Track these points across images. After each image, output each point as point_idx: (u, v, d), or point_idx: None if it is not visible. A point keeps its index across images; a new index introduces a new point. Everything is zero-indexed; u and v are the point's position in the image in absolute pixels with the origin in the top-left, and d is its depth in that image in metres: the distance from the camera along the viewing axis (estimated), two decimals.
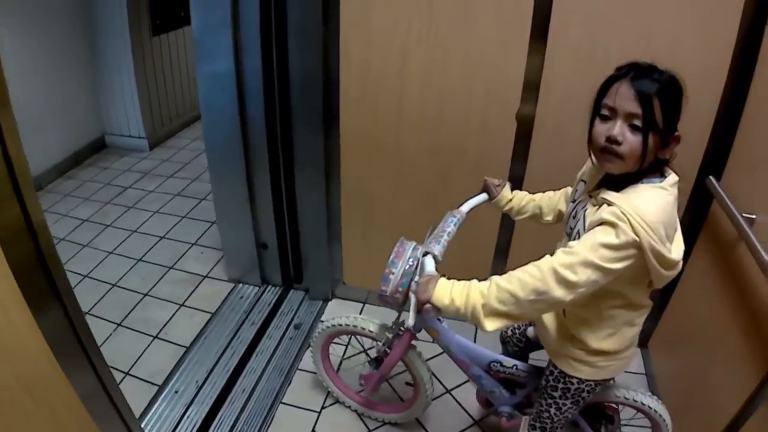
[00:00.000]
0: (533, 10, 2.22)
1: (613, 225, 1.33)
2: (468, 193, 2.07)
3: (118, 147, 5.26)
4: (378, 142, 2.64)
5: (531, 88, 2.37)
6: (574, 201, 1.68)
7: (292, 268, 3.23)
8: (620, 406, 2.18)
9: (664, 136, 1.38)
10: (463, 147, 2.55)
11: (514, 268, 2.69)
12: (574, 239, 1.56)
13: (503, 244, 2.82)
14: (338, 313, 2.28)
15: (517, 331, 2.17)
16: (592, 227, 1.39)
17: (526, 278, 1.43)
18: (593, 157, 1.51)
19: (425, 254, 1.75)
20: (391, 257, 1.87)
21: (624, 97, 1.37)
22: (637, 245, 1.32)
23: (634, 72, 1.38)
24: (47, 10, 4.32)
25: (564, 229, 1.72)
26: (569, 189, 1.90)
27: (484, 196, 2.04)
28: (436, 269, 1.70)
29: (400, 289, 1.85)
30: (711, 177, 2.23)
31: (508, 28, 2.27)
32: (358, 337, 2.35)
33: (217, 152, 2.94)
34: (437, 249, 1.77)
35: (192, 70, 2.67)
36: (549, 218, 1.97)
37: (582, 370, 1.76)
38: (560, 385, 1.82)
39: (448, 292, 1.52)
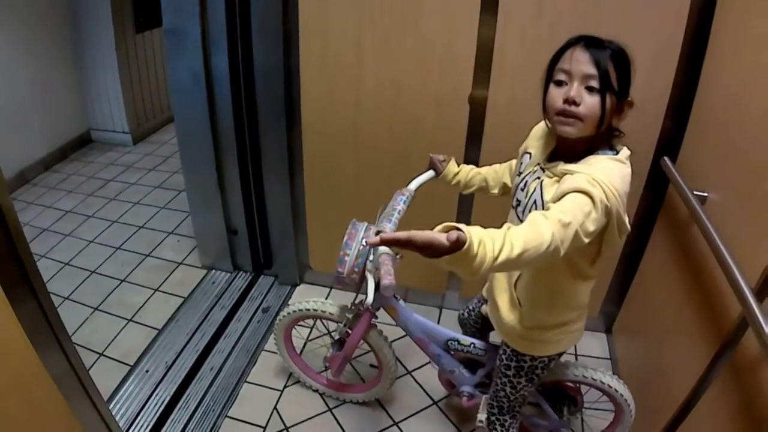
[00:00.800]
0: None
1: (586, 192, 1.29)
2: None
3: (103, 142, 5.25)
4: (338, 129, 2.65)
5: (482, 70, 2.38)
6: (520, 174, 1.66)
7: (262, 255, 3.24)
8: (583, 388, 2.17)
9: (618, 99, 1.40)
10: (420, 130, 2.56)
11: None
12: (526, 211, 1.55)
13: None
14: (306, 297, 2.27)
15: (473, 313, 2.16)
16: (559, 197, 1.33)
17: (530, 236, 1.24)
18: (550, 124, 1.50)
19: (377, 233, 1.73)
20: (345, 239, 1.87)
21: (579, 61, 1.38)
22: (608, 211, 1.32)
23: (586, 40, 1.40)
24: (31, 6, 4.32)
25: (510, 201, 1.70)
26: (513, 162, 1.89)
27: (430, 173, 2.03)
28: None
29: (356, 270, 1.85)
30: (665, 158, 2.23)
31: (458, 11, 2.28)
32: (322, 320, 2.35)
33: (189, 144, 2.96)
34: (388, 227, 1.75)
35: None
36: (495, 191, 1.96)
37: (534, 347, 1.76)
38: (513, 364, 1.82)
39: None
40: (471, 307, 2.17)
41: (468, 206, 2.74)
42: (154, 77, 5.31)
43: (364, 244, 1.83)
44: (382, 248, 1.59)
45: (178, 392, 2.54)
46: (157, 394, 2.51)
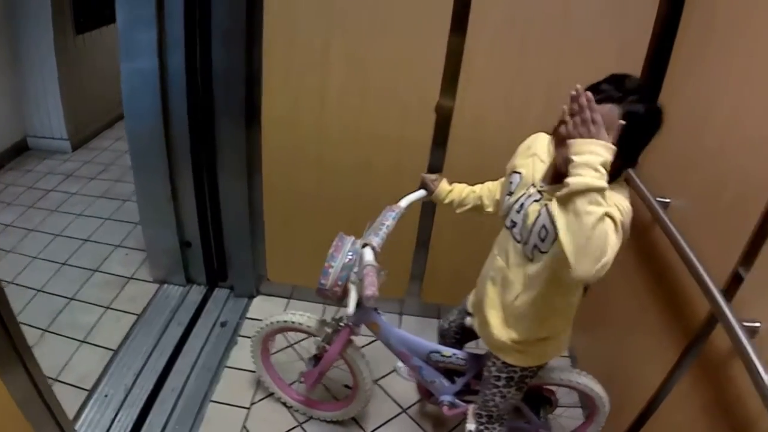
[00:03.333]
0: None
1: (611, 215, 1.23)
2: (388, 183, 2.02)
3: (40, 149, 4.85)
4: (300, 137, 2.53)
5: (450, 80, 2.31)
6: (511, 193, 1.62)
7: (217, 266, 3.06)
8: (557, 388, 2.16)
9: None
10: (384, 138, 2.47)
11: (436, 260, 2.60)
12: (529, 235, 1.52)
13: (424, 237, 2.76)
14: (263, 309, 2.17)
15: (453, 324, 2.10)
16: None
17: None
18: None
19: (364, 246, 1.67)
20: (331, 251, 1.80)
21: None
22: (624, 228, 1.31)
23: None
24: None
25: (503, 223, 1.65)
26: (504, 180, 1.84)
27: (422, 192, 1.99)
28: (376, 261, 1.63)
29: (339, 283, 1.78)
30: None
31: (428, 20, 2.21)
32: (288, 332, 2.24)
33: (140, 151, 2.74)
34: (376, 241, 1.70)
35: (116, 69, 2.47)
36: (490, 209, 1.91)
37: (524, 358, 1.72)
38: (504, 375, 1.78)
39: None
40: (452, 319, 2.11)
41: (429, 216, 2.69)
42: (94, 80, 4.93)
43: (350, 257, 1.76)
44: (368, 259, 1.59)
45: (141, 416, 2.34)
46: (119, 420, 2.32)
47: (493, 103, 2.32)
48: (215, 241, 2.94)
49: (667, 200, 2.03)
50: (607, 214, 1.21)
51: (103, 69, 4.93)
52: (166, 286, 3.13)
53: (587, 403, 2.13)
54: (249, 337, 2.30)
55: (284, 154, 2.58)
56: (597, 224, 1.19)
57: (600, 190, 1.19)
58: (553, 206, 1.28)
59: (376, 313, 1.96)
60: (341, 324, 1.99)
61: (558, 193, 1.25)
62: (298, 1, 2.23)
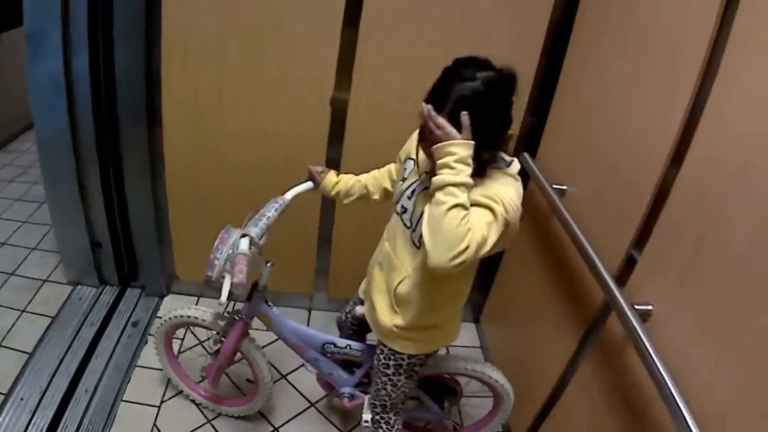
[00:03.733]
0: None
1: (489, 207, 1.32)
2: (288, 177, 1.98)
3: None
4: (200, 134, 2.48)
5: (344, 72, 2.31)
6: (404, 179, 1.62)
7: (127, 267, 3.00)
8: (462, 379, 2.16)
9: None
10: (281, 132, 2.45)
11: (340, 255, 2.65)
12: (415, 223, 1.53)
13: (326, 232, 2.76)
14: (174, 307, 2.12)
15: (349, 315, 2.08)
16: None
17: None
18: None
19: (242, 236, 1.65)
20: (216, 243, 1.76)
21: None
22: (506, 223, 1.33)
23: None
24: None
25: (394, 208, 1.65)
26: (392, 166, 1.84)
27: (309, 184, 1.96)
28: (257, 252, 1.64)
29: (224, 274, 1.72)
30: (525, 153, 2.24)
31: (321, 13, 2.20)
32: (195, 328, 2.19)
33: (49, 153, 2.67)
34: (254, 231, 1.68)
35: None
36: (376, 197, 1.91)
37: (410, 346, 1.71)
38: (391, 362, 1.77)
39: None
40: (348, 310, 2.10)
41: (330, 212, 2.69)
42: (13, 81, 4.75)
43: (234, 249, 1.71)
44: (242, 248, 1.58)
45: (56, 418, 2.30)
46: (34, 423, 2.27)
47: (389, 96, 2.32)
48: (125, 241, 2.89)
49: (564, 187, 2.07)
50: (462, 206, 1.27)
51: (17, 72, 4.73)
52: (79, 287, 3.06)
53: (491, 392, 2.14)
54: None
55: (186, 154, 2.54)
56: (447, 212, 1.26)
57: (456, 185, 1.27)
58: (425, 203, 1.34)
59: (266, 305, 1.94)
60: (236, 317, 1.97)
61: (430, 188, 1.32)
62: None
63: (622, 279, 1.62)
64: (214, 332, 2.04)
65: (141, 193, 2.68)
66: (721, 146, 1.29)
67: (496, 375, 2.05)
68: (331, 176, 1.95)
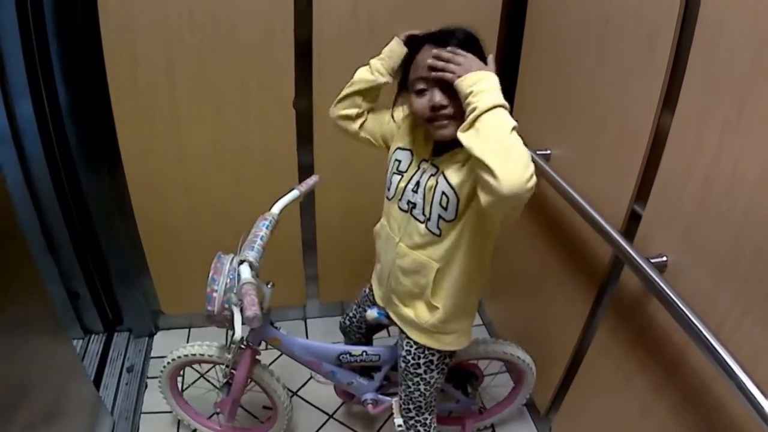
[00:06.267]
0: None
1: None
2: (264, 189, 1.91)
3: None
4: (162, 164, 2.35)
5: (304, 73, 2.23)
6: (400, 173, 1.55)
7: (110, 312, 2.86)
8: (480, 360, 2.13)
9: None
10: (248, 146, 2.35)
11: (326, 259, 2.63)
12: (429, 211, 1.46)
13: (309, 238, 2.68)
14: (166, 345, 2.03)
15: (354, 319, 2.02)
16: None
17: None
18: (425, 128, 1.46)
19: (241, 263, 1.56)
20: (211, 274, 1.66)
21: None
22: None
23: (431, 39, 1.37)
24: None
25: (397, 205, 1.57)
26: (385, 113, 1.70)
27: (295, 193, 1.88)
28: (256, 276, 1.53)
29: (227, 306, 1.64)
30: None
31: (271, 17, 2.10)
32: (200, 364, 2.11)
33: None
34: (252, 255, 1.58)
35: None
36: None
37: (451, 340, 1.66)
38: (422, 361, 1.70)
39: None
40: (351, 315, 2.03)
41: (310, 220, 2.62)
42: None
43: (231, 277, 1.63)
44: (245, 277, 1.48)
45: None
46: None
47: None
48: (103, 286, 2.76)
49: (548, 152, 2.03)
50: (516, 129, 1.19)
51: None
52: None
53: (513, 369, 2.11)
54: (157, 378, 2.15)
55: (152, 185, 2.41)
56: (512, 132, 1.17)
57: (505, 108, 1.20)
58: (463, 136, 1.22)
59: (272, 327, 1.85)
60: (242, 346, 1.88)
61: (466, 122, 1.21)
62: (135, 25, 2.04)
63: (629, 235, 1.58)
64: (223, 366, 1.95)
65: (112, 233, 2.55)
66: (717, 80, 1.25)
67: (516, 351, 2.02)
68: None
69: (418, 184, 1.49)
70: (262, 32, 2.11)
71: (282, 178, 2.32)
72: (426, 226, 1.48)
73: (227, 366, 1.92)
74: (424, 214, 1.48)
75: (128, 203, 2.45)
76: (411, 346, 1.70)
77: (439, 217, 1.44)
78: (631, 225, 1.61)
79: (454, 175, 1.38)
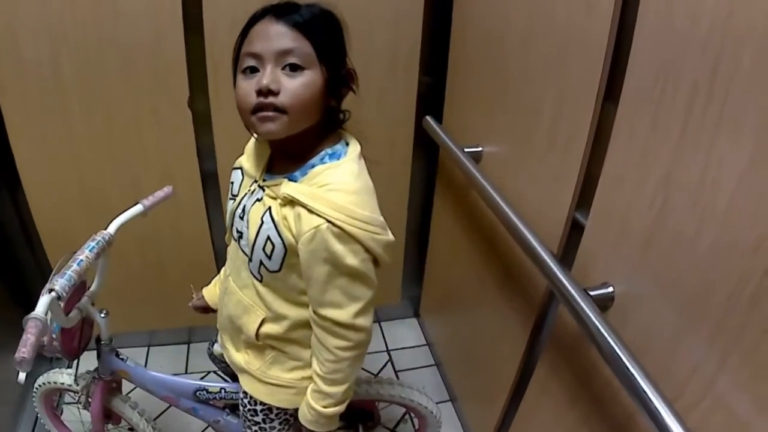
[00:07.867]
0: None
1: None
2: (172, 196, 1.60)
3: None
4: (59, 179, 2.02)
5: (197, 67, 1.90)
6: (234, 197, 1.20)
7: None
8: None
9: (331, 72, 1.01)
10: (143, 151, 2.01)
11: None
12: (253, 249, 1.10)
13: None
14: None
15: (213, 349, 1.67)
16: (302, 235, 1.00)
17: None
18: (250, 129, 1.07)
19: (50, 291, 1.17)
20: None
21: (270, 36, 0.97)
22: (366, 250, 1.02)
23: (274, 10, 1.00)
24: None
25: (231, 233, 1.24)
26: None
27: (138, 208, 1.52)
28: (57, 308, 1.21)
29: (54, 335, 1.33)
30: (428, 117, 1.87)
31: (158, 8, 1.77)
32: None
33: None
34: (59, 283, 1.19)
35: None
36: None
37: (273, 394, 1.30)
38: (259, 408, 1.35)
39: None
40: (214, 340, 1.65)
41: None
42: None
43: None
44: (36, 311, 1.10)
45: None
46: None
47: None
48: None
49: (479, 149, 1.69)
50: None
51: None
52: None
53: (415, 414, 1.82)
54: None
55: (53, 206, 2.08)
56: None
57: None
58: (274, 211, 1.00)
59: (118, 359, 1.52)
60: (95, 376, 1.57)
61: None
62: (17, 22, 1.71)
63: (568, 253, 1.23)
64: (82, 396, 1.62)
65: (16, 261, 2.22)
66: (676, 47, 0.88)
67: (418, 398, 1.70)
68: (210, 289, 1.54)
69: (244, 209, 1.15)
70: (148, 26, 1.79)
71: (184, 185, 2.00)
72: (248, 265, 1.15)
73: (83, 396, 1.60)
74: (248, 249, 1.13)
75: (28, 215, 2.11)
76: (246, 393, 1.35)
77: (261, 263, 1.11)
78: (572, 237, 1.26)
79: (282, 219, 1.05)
